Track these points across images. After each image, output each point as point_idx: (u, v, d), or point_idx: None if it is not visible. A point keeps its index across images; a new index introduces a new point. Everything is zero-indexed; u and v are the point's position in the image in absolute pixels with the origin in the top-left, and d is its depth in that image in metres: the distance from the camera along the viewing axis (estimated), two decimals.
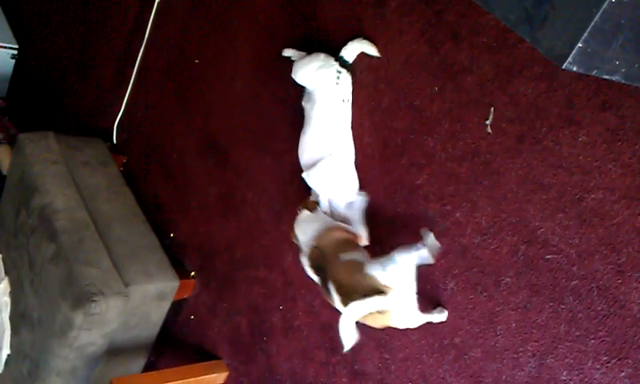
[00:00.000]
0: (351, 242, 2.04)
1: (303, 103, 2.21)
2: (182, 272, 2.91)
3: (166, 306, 2.90)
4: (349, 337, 1.82)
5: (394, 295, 1.79)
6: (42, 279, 2.72)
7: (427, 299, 2.03)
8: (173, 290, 2.86)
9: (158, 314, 2.91)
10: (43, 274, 2.71)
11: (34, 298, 2.76)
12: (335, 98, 2.12)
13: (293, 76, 2.20)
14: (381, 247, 2.14)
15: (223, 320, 2.81)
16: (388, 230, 2.13)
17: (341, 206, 2.16)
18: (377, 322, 1.86)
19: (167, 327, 3.00)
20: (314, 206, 2.14)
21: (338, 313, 1.86)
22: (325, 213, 2.14)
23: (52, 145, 3.06)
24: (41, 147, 3.01)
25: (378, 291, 1.78)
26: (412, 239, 2.05)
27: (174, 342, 3.05)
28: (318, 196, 2.18)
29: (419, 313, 1.90)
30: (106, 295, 2.58)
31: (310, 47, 2.29)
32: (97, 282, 2.59)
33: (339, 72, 2.10)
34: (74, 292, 2.55)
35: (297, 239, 2.14)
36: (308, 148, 2.17)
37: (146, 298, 2.78)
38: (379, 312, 1.81)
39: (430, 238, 1.91)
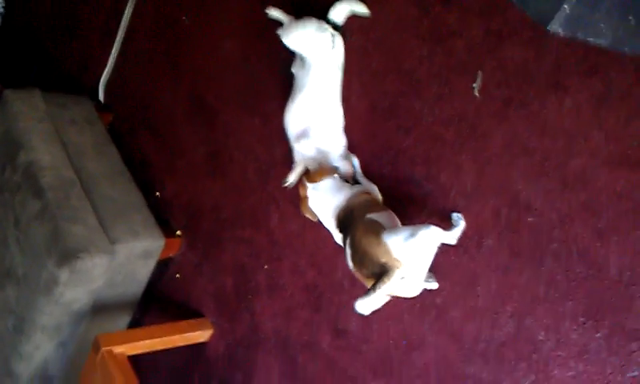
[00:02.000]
0: (379, 204, 2.04)
1: (294, 69, 2.20)
2: (167, 231, 2.92)
3: (151, 264, 2.91)
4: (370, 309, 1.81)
5: (402, 271, 1.75)
6: (28, 236, 2.72)
7: None
8: (158, 249, 2.87)
9: (143, 272, 2.92)
10: (29, 231, 2.71)
11: (20, 254, 2.76)
12: (331, 65, 2.12)
13: (285, 41, 2.16)
14: None
15: (209, 279, 2.84)
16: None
17: (339, 161, 2.17)
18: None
19: (152, 285, 3.02)
20: (322, 176, 2.12)
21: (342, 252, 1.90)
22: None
23: (38, 102, 3.03)
24: (27, 104, 2.98)
25: (385, 268, 1.75)
26: (397, 202, 2.08)
27: (160, 300, 3.07)
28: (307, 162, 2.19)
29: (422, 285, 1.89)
30: (91, 252, 2.58)
31: (296, 9, 2.28)
32: (82, 240, 2.60)
33: (333, 36, 2.10)
34: (59, 249, 2.56)
35: (312, 211, 2.14)
36: (298, 115, 2.17)
37: (131, 256, 2.79)
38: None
39: (461, 224, 1.90)
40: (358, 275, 1.88)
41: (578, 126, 1.67)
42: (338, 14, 2.11)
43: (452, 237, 1.88)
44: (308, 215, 2.18)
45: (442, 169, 1.98)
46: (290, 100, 2.19)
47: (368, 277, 1.81)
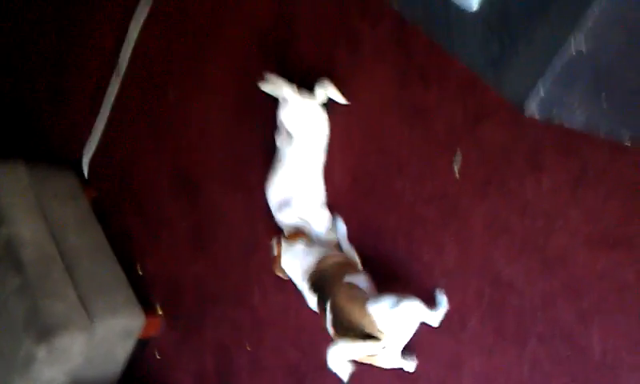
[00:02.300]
0: (352, 265, 2.03)
1: (278, 142, 2.22)
2: (148, 308, 2.88)
3: (131, 343, 2.86)
4: (339, 370, 1.79)
5: (385, 341, 1.75)
6: (6, 311, 2.67)
7: None
8: (139, 327, 2.82)
9: (122, 351, 2.86)
10: (7, 306, 2.67)
11: None
12: (316, 142, 2.14)
13: (280, 116, 2.17)
14: None
15: (189, 358, 2.78)
16: None
17: (322, 233, 2.17)
18: (360, 359, 1.83)
19: (132, 365, 2.95)
20: (297, 237, 2.13)
21: (326, 333, 1.87)
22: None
23: (21, 174, 3.03)
24: (10, 176, 2.99)
25: (371, 337, 1.74)
26: (379, 279, 2.06)
27: (138, 381, 2.99)
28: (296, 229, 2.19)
29: (400, 358, 1.88)
30: (70, 329, 2.54)
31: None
32: (61, 316, 2.56)
33: (323, 113, 2.13)
34: (37, 325, 2.51)
35: (284, 270, 2.13)
36: (280, 186, 2.18)
37: (111, 334, 2.74)
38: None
39: (444, 304, 1.89)
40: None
41: (556, 205, 1.68)
42: (319, 96, 2.14)
43: (435, 317, 1.87)
44: (279, 274, 2.17)
45: (424, 247, 1.97)
46: (272, 171, 2.20)
47: None
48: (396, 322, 1.75)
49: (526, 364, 1.76)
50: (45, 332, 2.49)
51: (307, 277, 2.03)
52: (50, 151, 3.60)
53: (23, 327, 2.56)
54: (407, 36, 1.97)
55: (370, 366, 2.01)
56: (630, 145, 1.34)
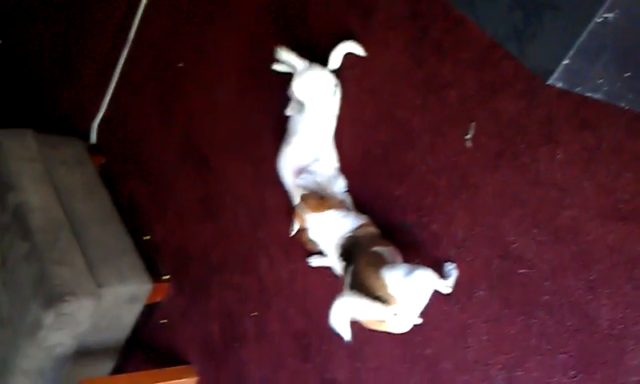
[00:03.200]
0: (383, 238, 2.04)
1: (290, 112, 2.21)
2: (155, 275, 2.90)
3: (137, 308, 2.88)
4: (341, 327, 1.82)
5: (396, 307, 1.77)
6: (14, 277, 2.69)
7: None
8: (145, 293, 2.85)
9: (129, 316, 2.89)
10: (15, 272, 2.68)
11: (5, 295, 2.72)
12: (328, 112, 2.14)
13: (294, 88, 2.16)
14: None
15: (195, 325, 2.80)
16: None
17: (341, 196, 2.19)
18: (370, 324, 1.85)
19: (138, 330, 2.98)
20: (324, 207, 2.10)
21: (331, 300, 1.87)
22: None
23: (30, 142, 3.04)
24: (18, 144, 2.99)
25: (381, 299, 1.77)
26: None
27: (144, 346, 3.02)
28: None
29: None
30: (77, 296, 2.56)
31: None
32: (69, 282, 2.57)
33: (336, 86, 2.13)
34: (45, 291, 2.53)
35: (312, 241, 2.13)
36: (294, 157, 2.18)
37: (117, 300, 2.76)
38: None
39: (454, 274, 1.92)
40: None
41: (569, 178, 1.69)
42: (337, 58, 2.13)
43: (446, 285, 1.90)
44: (309, 246, 2.18)
45: (434, 218, 1.98)
46: (285, 143, 2.20)
47: None
48: (409, 290, 1.78)
49: (534, 334, 1.78)
50: (52, 298, 2.51)
51: (339, 243, 2.03)
52: (58, 120, 3.59)
53: (31, 293, 2.58)
54: (422, 5, 1.96)
55: (368, 339, 2.05)
56: None
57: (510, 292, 1.82)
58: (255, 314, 2.54)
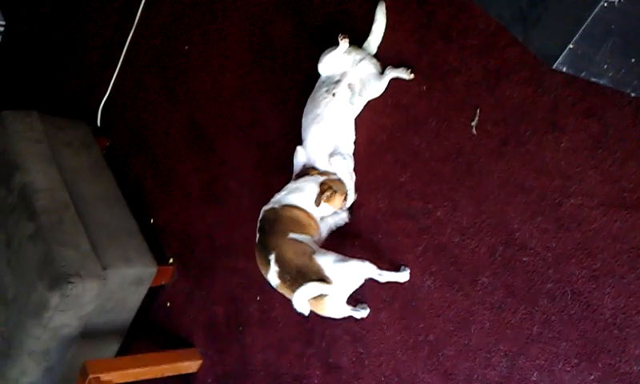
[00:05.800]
0: (308, 227, 2.10)
1: (318, 96, 2.13)
2: (160, 258, 2.91)
3: (142, 291, 2.89)
4: (302, 309, 1.96)
5: (332, 288, 1.91)
6: (20, 258, 2.70)
7: (403, 293, 2.06)
8: (150, 276, 2.85)
9: (134, 299, 2.90)
10: (21, 253, 2.69)
11: (10, 276, 2.73)
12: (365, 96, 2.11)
13: (321, 63, 2.12)
14: (360, 241, 2.17)
15: (200, 308, 2.81)
16: (369, 225, 2.15)
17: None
18: (312, 305, 1.97)
19: (143, 313, 2.99)
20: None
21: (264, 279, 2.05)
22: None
23: (35, 123, 3.04)
24: (24, 125, 2.99)
25: (324, 279, 1.91)
26: (391, 237, 2.08)
27: (149, 328, 3.04)
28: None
29: (346, 308, 2.05)
30: (82, 277, 2.56)
31: (299, 39, 2.29)
32: (74, 264, 2.58)
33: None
34: (50, 272, 2.54)
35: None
36: (325, 139, 2.13)
37: (123, 283, 2.77)
38: (317, 298, 1.94)
39: (402, 276, 2.04)
40: (283, 291, 2.02)
41: (574, 166, 1.68)
42: (374, 43, 2.11)
43: (384, 277, 2.01)
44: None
45: (438, 204, 1.97)
46: (315, 121, 2.12)
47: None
48: (339, 273, 1.92)
49: (537, 322, 1.78)
50: (58, 279, 2.52)
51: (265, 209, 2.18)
52: (64, 103, 3.59)
53: (37, 274, 2.58)
54: None
55: (372, 325, 2.06)
56: None
57: (514, 280, 1.82)
58: (259, 298, 2.55)
